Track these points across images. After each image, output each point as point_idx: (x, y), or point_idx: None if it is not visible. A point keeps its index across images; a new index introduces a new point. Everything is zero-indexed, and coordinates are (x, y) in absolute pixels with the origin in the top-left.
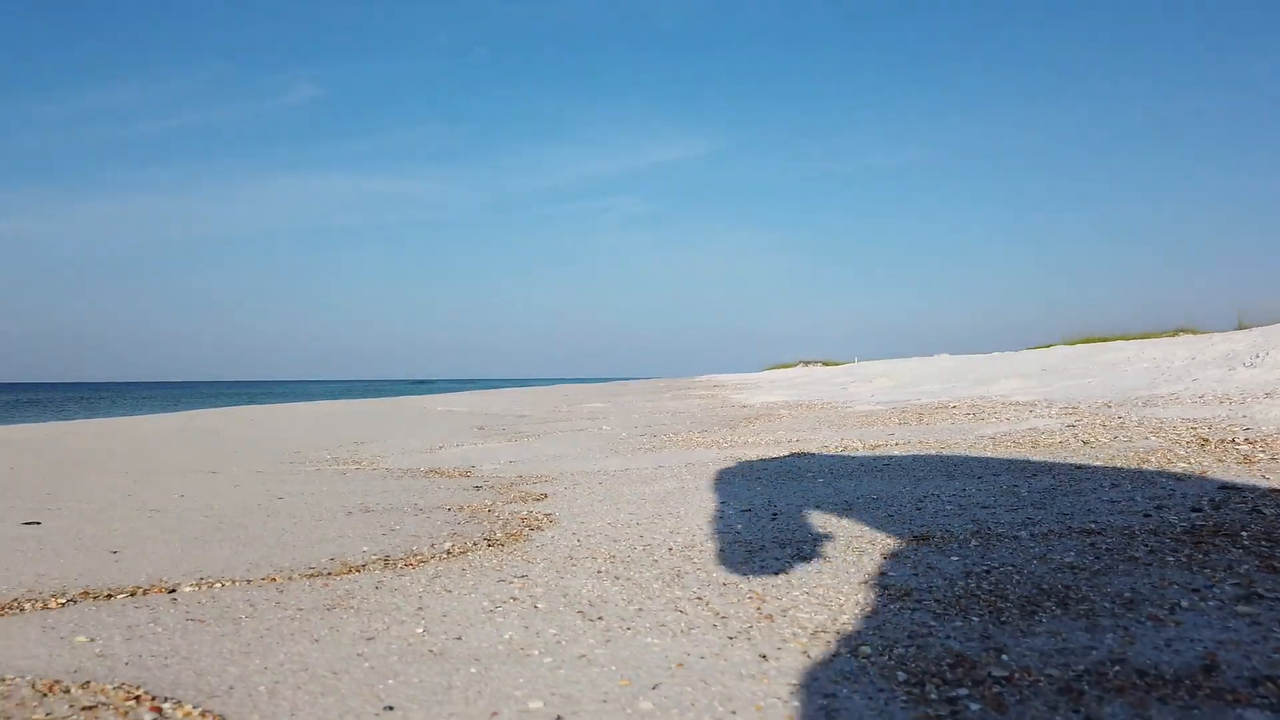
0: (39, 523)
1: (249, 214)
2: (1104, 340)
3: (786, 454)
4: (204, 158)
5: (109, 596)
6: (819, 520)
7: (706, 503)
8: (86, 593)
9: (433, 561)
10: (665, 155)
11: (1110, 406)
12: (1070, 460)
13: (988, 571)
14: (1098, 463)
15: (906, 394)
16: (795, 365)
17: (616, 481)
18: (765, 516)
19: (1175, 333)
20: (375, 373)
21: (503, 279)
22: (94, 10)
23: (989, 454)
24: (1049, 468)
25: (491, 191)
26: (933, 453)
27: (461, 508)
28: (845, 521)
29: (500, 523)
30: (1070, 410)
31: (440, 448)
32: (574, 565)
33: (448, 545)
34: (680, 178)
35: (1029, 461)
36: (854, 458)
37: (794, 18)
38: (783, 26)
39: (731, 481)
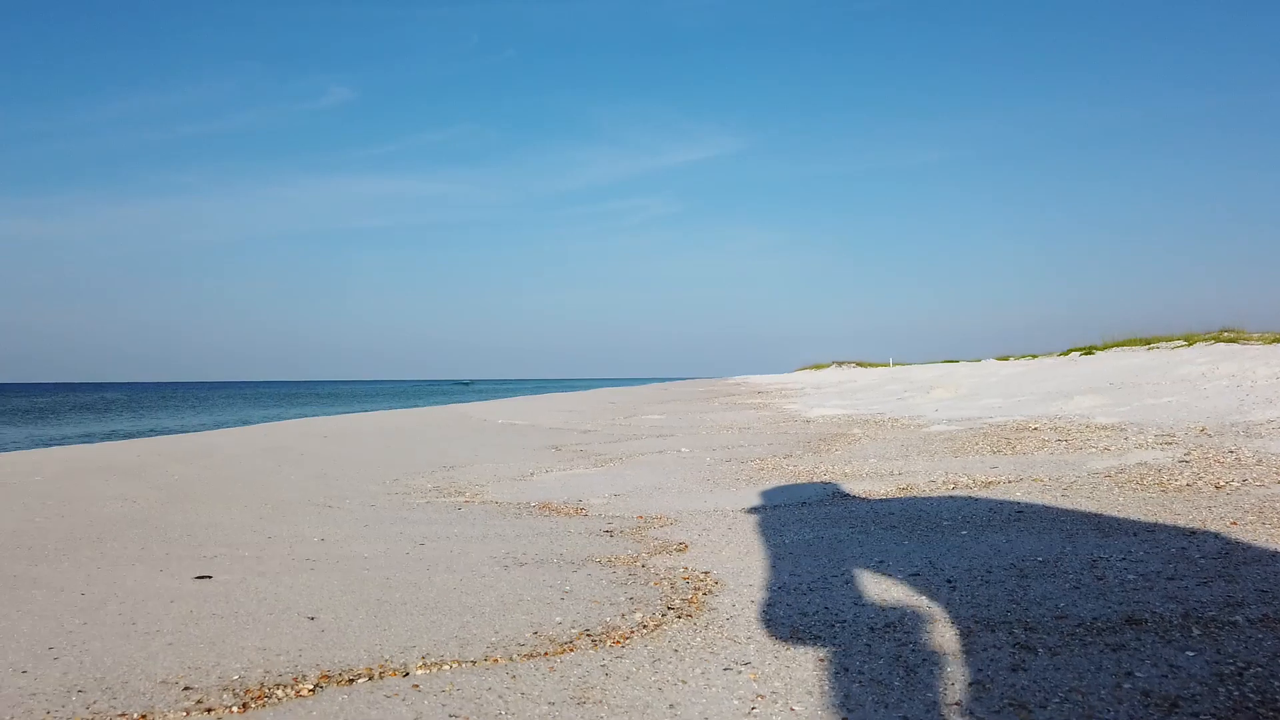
0: (210, 576)
1: (278, 216)
2: (1148, 342)
3: (897, 491)
4: (238, 161)
5: (350, 681)
6: (1004, 592)
7: (863, 561)
8: (326, 675)
9: (635, 638)
10: (693, 155)
11: (1209, 435)
12: (1219, 512)
13: (1239, 674)
14: (1251, 517)
15: (973, 409)
16: (828, 366)
17: (745, 526)
18: (941, 583)
19: (1220, 334)
20: (396, 373)
21: (527, 280)
22: (128, 16)
23: (1120, 499)
24: (1203, 524)
25: (517, 193)
26: (1060, 498)
27: (610, 561)
28: (1034, 594)
29: (666, 584)
30: (1167, 439)
31: (531, 474)
32: (786, 648)
33: (637, 616)
34: (707, 177)
35: (1177, 515)
36: (979, 500)
37: (820, 16)
38: (809, 25)
39: (868, 530)
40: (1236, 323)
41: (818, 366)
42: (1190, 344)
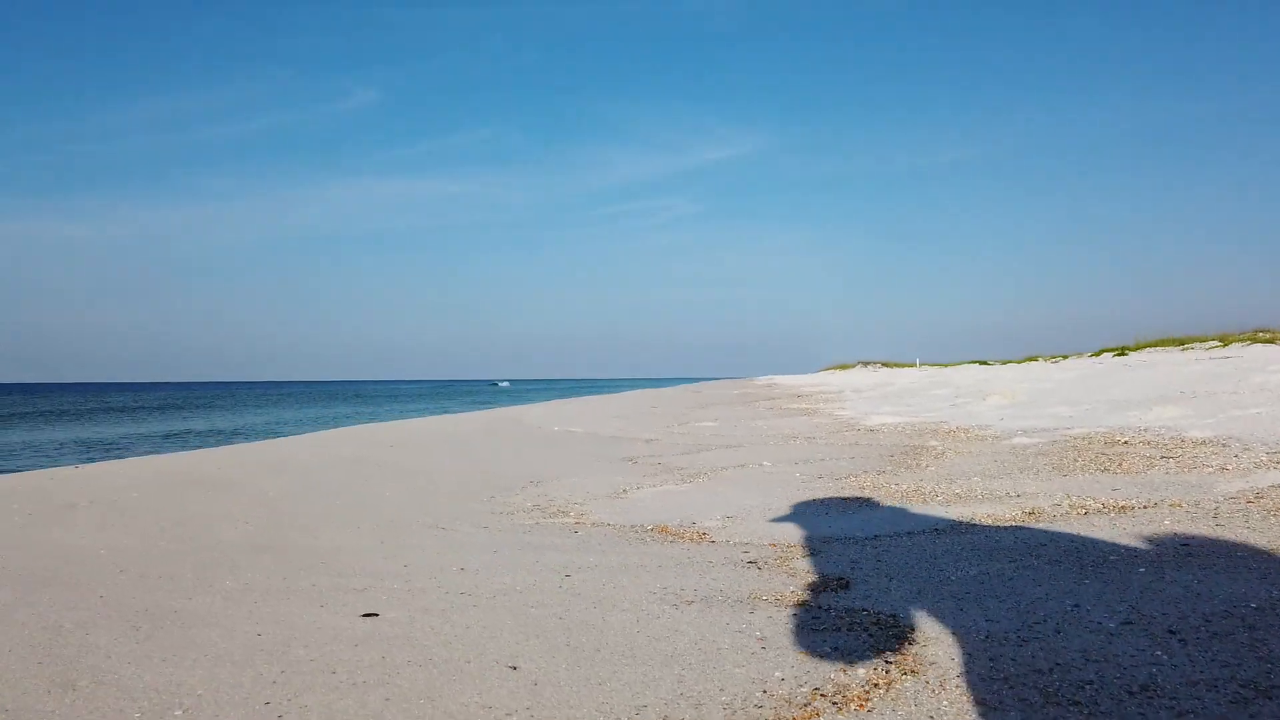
0: (377, 614)
1: (302, 218)
2: (1181, 342)
3: (1024, 516)
4: (263, 163)
5: None
6: (1243, 647)
7: (1055, 604)
8: None
9: (873, 699)
10: (717, 154)
11: None
12: None
13: None
14: None
15: (1041, 418)
16: (854, 366)
17: (891, 558)
18: (1163, 634)
19: (1255, 334)
20: (421, 374)
21: (550, 280)
22: (152, 18)
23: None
24: None
25: (541, 194)
26: (1216, 528)
27: (779, 600)
28: (1279, 650)
29: (859, 630)
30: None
31: (624, 491)
32: (1051, 715)
33: (862, 672)
34: (732, 177)
35: None
36: (1132, 532)
37: (847, 15)
38: (836, 24)
39: (1031, 565)
40: (1266, 322)
41: (843, 367)
42: (1225, 344)
